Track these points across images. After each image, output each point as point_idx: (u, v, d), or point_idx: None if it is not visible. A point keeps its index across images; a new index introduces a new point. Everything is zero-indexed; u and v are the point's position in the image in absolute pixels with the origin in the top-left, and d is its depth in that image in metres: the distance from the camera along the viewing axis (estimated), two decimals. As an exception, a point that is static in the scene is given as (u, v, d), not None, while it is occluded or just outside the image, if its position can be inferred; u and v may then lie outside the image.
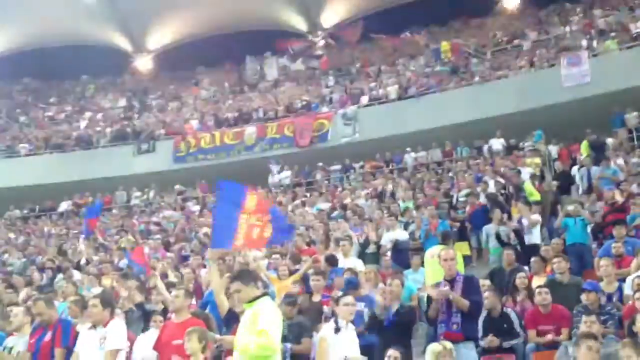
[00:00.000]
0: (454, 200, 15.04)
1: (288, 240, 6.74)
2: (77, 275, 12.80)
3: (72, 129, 30.44)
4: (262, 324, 4.78)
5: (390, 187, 18.09)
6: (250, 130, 26.03)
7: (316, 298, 8.22)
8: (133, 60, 37.42)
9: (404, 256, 11.53)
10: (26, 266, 15.36)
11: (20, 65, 36.75)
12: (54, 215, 24.55)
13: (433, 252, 8.72)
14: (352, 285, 8.06)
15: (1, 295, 10.45)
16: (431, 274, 8.42)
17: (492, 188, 14.63)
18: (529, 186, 13.62)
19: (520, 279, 8.62)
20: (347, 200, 17.48)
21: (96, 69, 36.62)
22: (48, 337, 6.31)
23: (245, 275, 5.36)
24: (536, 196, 13.24)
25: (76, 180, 26.01)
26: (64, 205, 25.07)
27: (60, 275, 13.23)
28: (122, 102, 33.48)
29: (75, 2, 33.60)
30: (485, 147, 21.17)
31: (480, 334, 7.13)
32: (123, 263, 13.33)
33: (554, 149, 19.21)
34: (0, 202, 24.89)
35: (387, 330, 7.03)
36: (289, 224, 6.72)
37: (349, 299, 6.33)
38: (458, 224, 13.07)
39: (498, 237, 10.90)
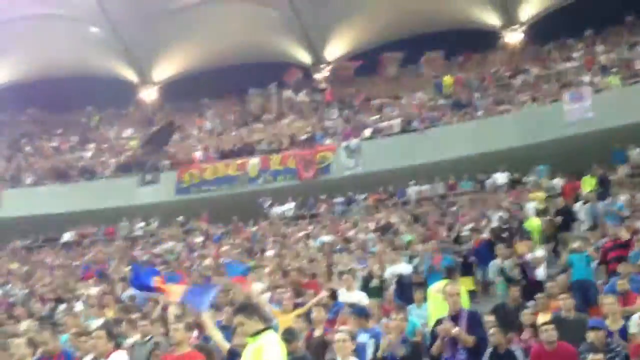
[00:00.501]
0: (458, 235, 14.99)
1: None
2: (79, 306, 12.75)
3: (76, 160, 30.56)
4: (270, 357, 4.79)
5: (393, 220, 18.08)
6: (254, 162, 26.13)
7: (317, 332, 8.12)
8: (138, 91, 37.74)
9: (407, 290, 11.46)
10: (28, 297, 15.30)
11: (25, 95, 37.06)
12: (56, 245, 24.52)
13: (438, 287, 8.68)
14: (361, 314, 7.95)
15: (4, 326, 10.39)
16: (434, 309, 8.38)
17: (495, 222, 14.62)
18: (534, 222, 13.57)
19: (526, 316, 8.57)
20: (350, 233, 17.47)
21: (101, 100, 36.93)
22: None
23: (249, 308, 5.35)
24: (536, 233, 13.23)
25: (80, 211, 26.04)
26: (67, 236, 25.04)
27: (61, 307, 13.19)
28: (127, 133, 33.64)
29: (81, 34, 34.14)
30: (489, 181, 21.19)
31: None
32: (125, 295, 13.28)
33: (558, 184, 19.17)
34: (4, 232, 24.86)
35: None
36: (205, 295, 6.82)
37: (342, 335, 6.31)
38: (462, 259, 13.01)
39: (503, 272, 10.85)
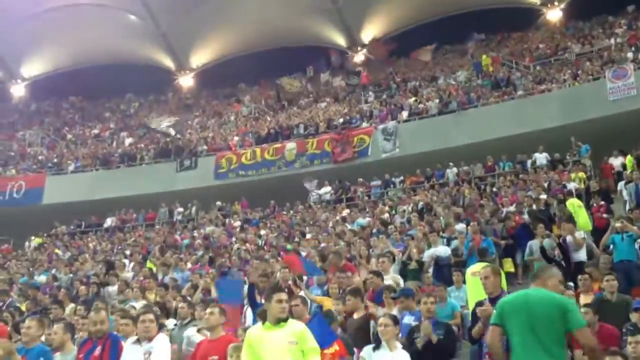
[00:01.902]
0: (498, 216, 14.79)
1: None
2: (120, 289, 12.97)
3: (116, 146, 31.07)
4: (313, 343, 5.05)
5: (431, 202, 17.96)
6: (291, 146, 26.17)
7: (356, 315, 8.07)
8: (176, 78, 38.12)
9: (445, 272, 11.39)
10: (72, 281, 15.65)
11: (66, 84, 37.88)
12: (99, 230, 25.02)
13: (474, 269, 8.58)
14: (407, 294, 7.89)
15: (49, 311, 10.64)
16: (474, 291, 8.27)
17: (535, 204, 14.38)
18: (575, 203, 13.27)
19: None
20: (388, 216, 17.40)
21: (140, 87, 37.48)
22: (97, 351, 6.15)
23: (289, 292, 5.45)
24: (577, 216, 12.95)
25: (121, 197, 26.49)
26: (109, 221, 25.52)
27: (105, 290, 13.45)
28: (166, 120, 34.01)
29: (120, 22, 34.56)
30: (529, 162, 20.83)
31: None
32: (167, 278, 13.49)
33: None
34: (48, 219, 25.45)
35: (425, 350, 6.81)
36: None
37: (385, 319, 6.29)
38: (503, 241, 12.86)
39: (543, 251, 10.65)
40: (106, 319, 6.46)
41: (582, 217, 12.64)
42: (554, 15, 32.56)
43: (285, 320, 5.18)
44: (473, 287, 8.42)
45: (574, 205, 13.18)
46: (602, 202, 13.96)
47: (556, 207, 13.72)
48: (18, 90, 38.89)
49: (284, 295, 5.25)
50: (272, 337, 5.10)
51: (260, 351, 5.08)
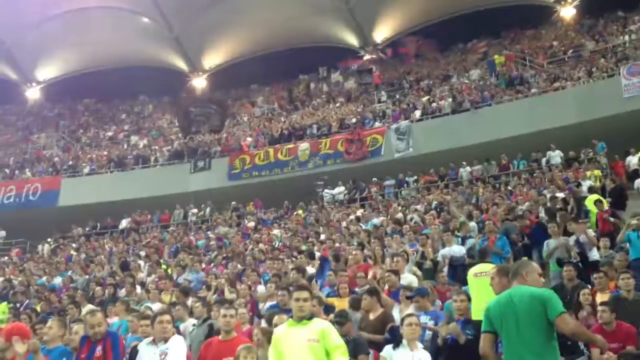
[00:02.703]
0: (513, 215, 14.71)
1: None
2: (137, 290, 13.06)
3: (131, 148, 31.23)
4: (338, 340, 5.00)
5: (445, 201, 17.90)
6: (304, 147, 26.19)
7: (372, 316, 8.05)
8: (189, 80, 38.29)
9: (459, 272, 11.33)
10: (88, 282, 15.76)
11: (80, 86, 38.16)
12: (114, 232, 25.17)
13: (475, 270, 8.45)
14: (423, 294, 7.86)
15: (66, 311, 10.73)
16: (475, 293, 8.14)
17: (550, 202, 14.29)
18: (589, 203, 13.16)
19: (584, 296, 8.34)
20: (401, 215, 17.36)
21: (154, 89, 37.70)
22: (99, 352, 6.14)
23: (310, 290, 5.44)
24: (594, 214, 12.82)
25: (135, 198, 26.64)
26: (124, 223, 25.66)
27: (120, 291, 13.54)
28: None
29: (133, 25, 34.76)
30: (544, 160, 20.72)
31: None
32: (181, 279, 13.55)
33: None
34: (64, 220, 25.63)
35: (453, 348, 6.76)
36: None
37: (414, 319, 6.28)
38: (517, 240, 12.78)
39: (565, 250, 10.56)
40: (103, 321, 6.46)
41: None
42: (567, 12, 32.35)
43: (310, 318, 5.17)
44: (475, 288, 8.30)
45: (592, 202, 13.07)
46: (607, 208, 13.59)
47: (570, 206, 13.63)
48: (33, 94, 39.23)
49: (303, 294, 5.23)
50: (294, 334, 5.11)
51: (282, 348, 5.11)
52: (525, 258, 12.52)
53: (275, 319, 6.73)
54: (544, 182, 17.11)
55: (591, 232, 10.99)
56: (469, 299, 7.52)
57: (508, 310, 4.55)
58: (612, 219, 12.47)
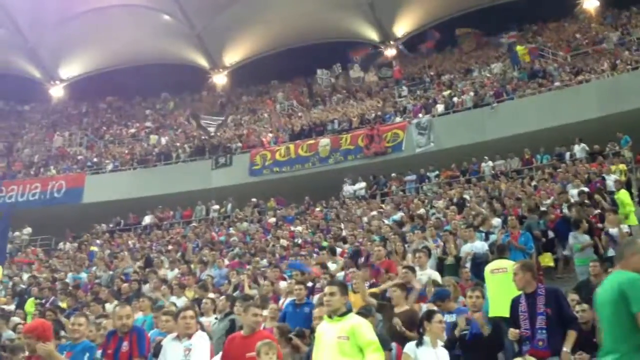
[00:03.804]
0: (537, 210, 14.56)
1: None
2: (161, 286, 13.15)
3: (153, 145, 31.45)
4: (370, 335, 4.95)
5: (467, 196, 17.79)
6: (324, 142, 26.17)
7: (398, 310, 7.99)
8: (210, 76, 38.45)
9: (482, 268, 11.24)
10: (113, 279, 15.92)
11: (103, 84, 38.51)
12: (137, 228, 25.39)
13: (492, 267, 8.37)
14: (443, 296, 7.83)
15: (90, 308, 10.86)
16: (493, 289, 8.08)
17: (575, 196, 14.14)
18: (624, 196, 12.92)
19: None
20: (423, 211, 17.28)
21: (175, 86, 37.94)
22: (125, 347, 6.23)
23: (343, 285, 5.47)
24: (630, 207, 12.61)
25: (158, 195, 26.84)
26: (147, 219, 25.87)
27: (145, 287, 13.66)
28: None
29: (155, 23, 34.98)
30: (567, 154, 20.50)
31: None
32: (204, 275, 13.64)
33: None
34: (88, 217, 25.90)
35: (471, 345, 6.74)
36: None
37: (442, 317, 6.27)
38: (541, 235, 12.66)
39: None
40: (131, 314, 6.54)
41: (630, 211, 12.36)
42: (590, 4, 31.91)
43: (344, 314, 5.16)
44: (492, 285, 8.24)
45: (621, 196, 12.85)
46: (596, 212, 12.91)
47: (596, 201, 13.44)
48: (57, 92, 39.67)
49: (331, 289, 5.25)
50: (328, 331, 5.15)
51: (318, 344, 5.19)
52: (548, 253, 12.46)
53: (316, 311, 6.75)
54: (568, 176, 16.91)
55: (625, 227, 10.82)
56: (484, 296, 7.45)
57: (600, 298, 4.05)
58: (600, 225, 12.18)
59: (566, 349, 5.85)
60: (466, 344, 6.53)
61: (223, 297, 9.24)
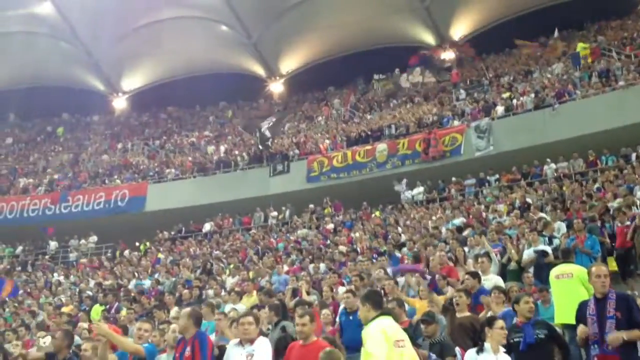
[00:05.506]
0: (601, 213, 14.13)
1: None
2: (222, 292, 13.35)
3: (212, 154, 31.98)
4: (369, 346, 5.04)
5: (529, 200, 17.41)
6: (382, 147, 26.06)
7: (461, 314, 7.88)
8: (267, 84, 38.89)
9: (546, 272, 10.97)
10: (175, 285, 16.25)
11: (164, 95, 39.51)
12: (198, 235, 25.84)
13: (557, 272, 8.14)
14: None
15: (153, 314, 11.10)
16: (558, 295, 7.87)
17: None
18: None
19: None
20: (483, 215, 17.01)
21: (233, 95, 38.57)
22: (188, 352, 6.34)
23: (367, 295, 5.54)
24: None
25: (217, 202, 27.26)
26: (207, 226, 26.30)
27: (207, 293, 13.89)
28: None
29: (213, 33, 35.68)
30: (633, 155, 19.80)
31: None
32: (264, 281, 13.77)
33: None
34: (151, 225, 26.53)
35: (524, 354, 6.53)
36: None
37: (502, 323, 6.16)
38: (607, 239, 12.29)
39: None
40: (193, 325, 6.64)
41: None
42: (656, -1, 30.81)
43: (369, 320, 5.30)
44: (557, 290, 8.03)
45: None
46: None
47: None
48: (120, 104, 40.88)
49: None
50: None
51: None
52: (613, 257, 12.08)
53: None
54: (635, 178, 16.34)
55: None
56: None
57: None
58: None
59: (625, 336, 5.69)
60: (519, 354, 6.35)
61: (266, 308, 9.16)
